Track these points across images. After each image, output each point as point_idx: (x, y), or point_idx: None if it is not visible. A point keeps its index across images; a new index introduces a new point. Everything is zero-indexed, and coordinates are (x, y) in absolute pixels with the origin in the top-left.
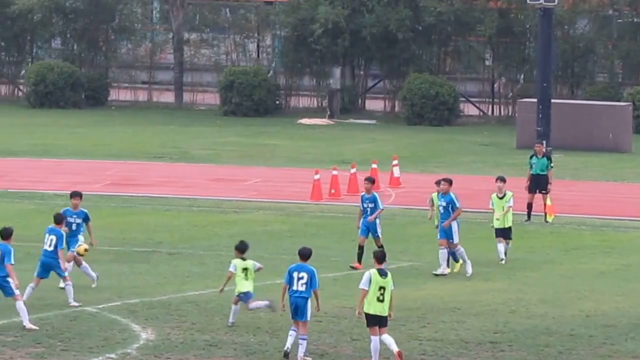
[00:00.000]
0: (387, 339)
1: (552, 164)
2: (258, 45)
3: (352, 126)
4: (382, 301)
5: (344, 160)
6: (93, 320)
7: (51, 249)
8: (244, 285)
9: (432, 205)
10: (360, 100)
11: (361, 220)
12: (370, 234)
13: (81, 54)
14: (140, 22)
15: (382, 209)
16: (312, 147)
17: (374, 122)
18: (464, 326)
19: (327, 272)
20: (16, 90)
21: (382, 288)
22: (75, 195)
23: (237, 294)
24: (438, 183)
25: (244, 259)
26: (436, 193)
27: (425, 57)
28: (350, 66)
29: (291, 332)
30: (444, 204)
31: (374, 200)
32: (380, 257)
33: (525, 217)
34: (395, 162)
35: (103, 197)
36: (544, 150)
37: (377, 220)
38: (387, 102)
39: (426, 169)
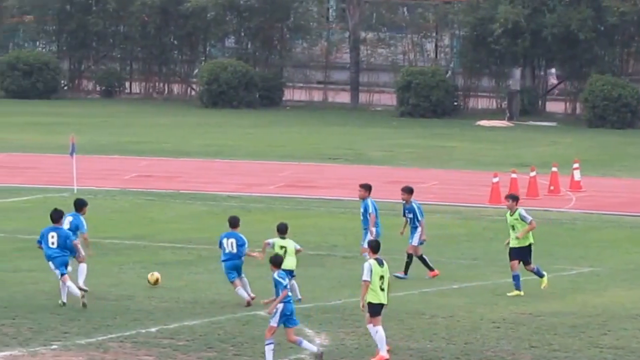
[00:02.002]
0: (382, 332)
1: None
2: (436, 45)
3: (531, 128)
4: (383, 290)
5: (523, 164)
6: (265, 324)
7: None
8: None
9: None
10: (540, 102)
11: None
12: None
13: (255, 53)
14: (316, 21)
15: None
16: (490, 149)
17: (554, 124)
18: None
19: (506, 277)
20: (189, 89)
21: (382, 277)
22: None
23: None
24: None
25: (283, 239)
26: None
27: (608, 58)
28: (531, 67)
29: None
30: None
31: (412, 211)
32: (375, 247)
33: None
34: (576, 165)
35: (277, 199)
36: None
37: (418, 229)
38: (567, 104)
39: (608, 172)
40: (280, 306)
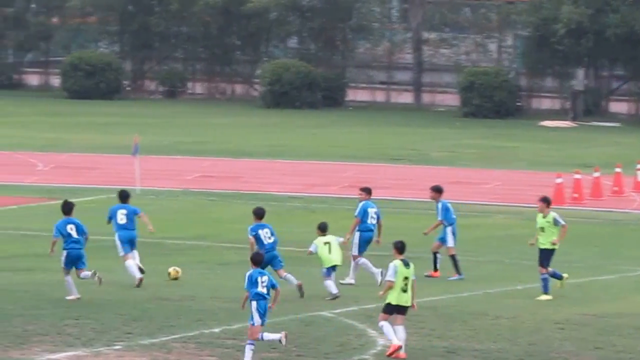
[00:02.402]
0: (401, 331)
1: None
2: (499, 45)
3: (595, 129)
4: (405, 292)
5: (586, 164)
6: (329, 325)
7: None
8: (331, 259)
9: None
10: (603, 102)
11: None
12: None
13: (318, 53)
14: (378, 21)
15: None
16: (554, 150)
17: (618, 124)
18: None
19: (570, 279)
20: (251, 89)
21: (406, 278)
22: None
23: (327, 267)
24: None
25: (324, 236)
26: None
27: None
28: (594, 67)
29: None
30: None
31: (436, 209)
32: (400, 248)
33: None
34: (639, 166)
35: (339, 199)
36: None
37: (448, 229)
38: (631, 104)
39: None
40: (254, 304)
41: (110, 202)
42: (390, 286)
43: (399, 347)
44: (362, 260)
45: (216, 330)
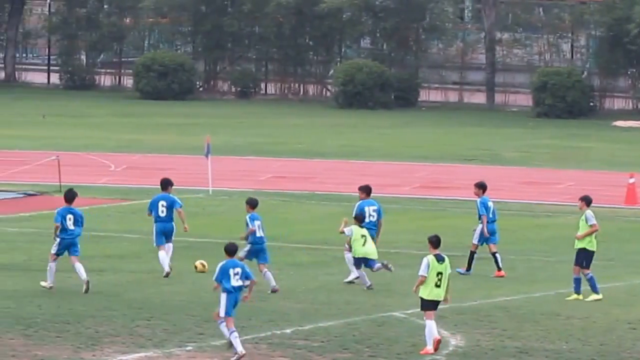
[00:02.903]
0: (431, 324)
1: None
2: (572, 45)
3: None
4: (439, 286)
5: None
6: (401, 325)
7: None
8: (364, 250)
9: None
10: None
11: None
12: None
13: (391, 54)
14: (451, 21)
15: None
16: (627, 150)
17: None
18: None
19: None
20: (324, 90)
21: (439, 274)
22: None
23: (357, 257)
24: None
25: (362, 227)
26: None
27: None
28: None
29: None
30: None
31: (476, 206)
32: (435, 242)
33: None
34: None
35: (412, 199)
36: None
37: (478, 227)
38: None
39: None
40: (224, 296)
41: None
42: (422, 281)
43: (439, 341)
44: (348, 255)
45: (287, 331)
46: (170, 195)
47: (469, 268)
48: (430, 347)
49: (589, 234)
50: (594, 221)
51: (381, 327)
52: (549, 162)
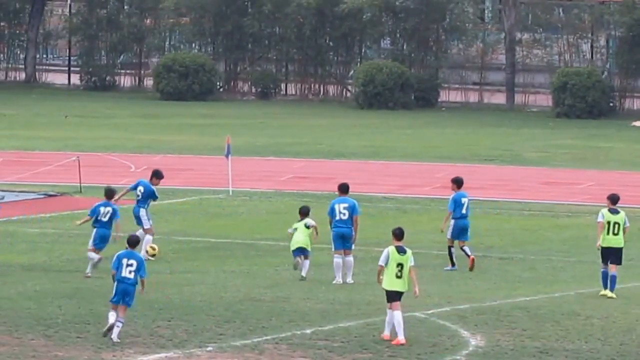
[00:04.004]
0: (398, 316)
1: None
2: (592, 46)
3: None
4: (400, 277)
5: None
6: (422, 325)
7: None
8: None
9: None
10: None
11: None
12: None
13: (411, 54)
14: (472, 22)
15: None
16: None
17: None
18: None
19: None
20: (344, 90)
21: (400, 265)
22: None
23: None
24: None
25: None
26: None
27: None
28: None
29: (118, 324)
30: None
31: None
32: (398, 234)
33: None
34: None
35: (433, 200)
36: None
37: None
38: None
39: None
40: (115, 284)
41: (202, 204)
42: (380, 270)
43: (389, 339)
44: (336, 259)
45: (308, 331)
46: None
47: (452, 264)
48: (402, 337)
49: (600, 232)
50: (599, 219)
51: None
52: (569, 162)
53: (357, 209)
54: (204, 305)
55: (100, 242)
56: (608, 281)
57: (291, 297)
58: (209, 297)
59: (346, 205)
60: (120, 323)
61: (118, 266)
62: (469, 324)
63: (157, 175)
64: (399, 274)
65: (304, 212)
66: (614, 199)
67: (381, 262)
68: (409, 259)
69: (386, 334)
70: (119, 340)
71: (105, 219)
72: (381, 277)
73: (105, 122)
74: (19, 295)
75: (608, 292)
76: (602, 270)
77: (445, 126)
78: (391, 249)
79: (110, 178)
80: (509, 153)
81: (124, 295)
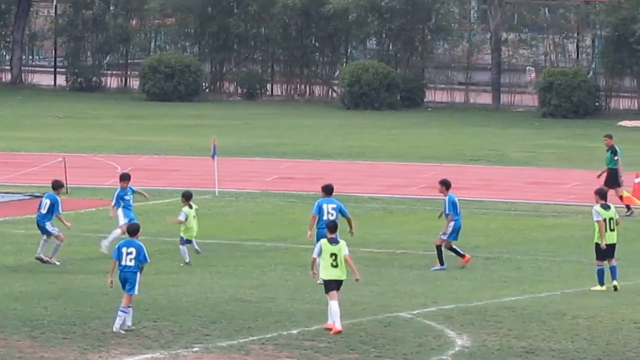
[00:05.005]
0: (335, 306)
1: (616, 157)
2: (577, 46)
3: None
4: (335, 267)
5: None
6: (407, 326)
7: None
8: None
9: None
10: None
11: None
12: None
13: (397, 55)
14: (457, 22)
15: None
16: (632, 149)
17: None
18: None
19: None
20: (330, 91)
21: (333, 254)
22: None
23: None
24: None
25: (190, 206)
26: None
27: None
28: None
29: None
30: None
31: (444, 204)
32: (331, 227)
33: None
34: None
35: (419, 200)
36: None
37: (451, 223)
38: None
39: None
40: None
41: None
42: (312, 262)
43: (331, 328)
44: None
45: (294, 331)
46: (58, 197)
47: (442, 263)
48: (339, 326)
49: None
50: (595, 218)
51: (387, 328)
52: (555, 162)
53: (345, 210)
54: (190, 305)
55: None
56: (604, 274)
57: (277, 297)
58: (195, 297)
59: (334, 205)
60: (123, 313)
61: (118, 256)
62: (455, 324)
63: (54, 186)
64: (334, 264)
65: (187, 197)
66: (603, 194)
67: (314, 255)
68: (342, 249)
69: (329, 323)
70: (121, 331)
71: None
72: (314, 270)
73: (91, 123)
74: (5, 296)
75: (614, 282)
76: (598, 267)
77: (431, 126)
78: (323, 241)
79: (96, 179)
80: (495, 153)
81: (124, 283)
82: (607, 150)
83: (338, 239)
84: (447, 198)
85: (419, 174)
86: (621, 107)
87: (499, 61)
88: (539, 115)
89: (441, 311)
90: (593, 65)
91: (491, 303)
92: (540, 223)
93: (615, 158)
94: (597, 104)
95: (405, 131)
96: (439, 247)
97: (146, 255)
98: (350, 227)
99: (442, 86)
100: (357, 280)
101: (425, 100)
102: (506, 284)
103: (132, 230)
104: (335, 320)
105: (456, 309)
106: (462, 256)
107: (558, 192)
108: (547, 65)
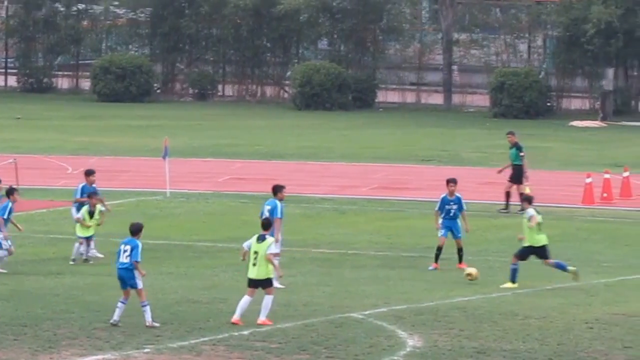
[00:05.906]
0: (267, 299)
1: (522, 153)
2: (529, 46)
3: (625, 129)
4: (255, 265)
5: (616, 164)
6: (359, 326)
7: None
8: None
9: None
10: (633, 102)
11: (441, 221)
12: (452, 235)
13: (348, 55)
14: (409, 22)
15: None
16: (584, 150)
17: None
18: None
19: (599, 278)
20: (282, 91)
21: (255, 252)
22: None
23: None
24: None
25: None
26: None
27: None
28: (624, 67)
29: (119, 305)
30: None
31: (457, 202)
32: (265, 225)
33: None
34: None
35: (371, 200)
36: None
37: (459, 222)
38: None
39: None
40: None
41: (140, 205)
42: (244, 254)
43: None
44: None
45: (245, 332)
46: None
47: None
48: (237, 318)
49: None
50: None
51: (339, 329)
52: (506, 162)
53: (276, 212)
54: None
55: None
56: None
57: (229, 298)
58: (147, 298)
59: (269, 207)
60: (145, 306)
61: (118, 253)
62: (406, 324)
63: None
64: (254, 262)
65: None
66: (530, 199)
67: (245, 247)
68: (262, 247)
69: (236, 318)
70: (155, 324)
71: None
72: (245, 258)
73: (42, 124)
74: None
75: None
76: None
77: (383, 127)
78: (254, 238)
79: (47, 180)
80: (447, 153)
81: (123, 280)
82: (511, 147)
83: (266, 236)
84: (460, 196)
85: (371, 174)
86: (572, 108)
87: (450, 61)
88: (490, 116)
89: (393, 312)
90: (544, 66)
91: (443, 303)
92: (492, 223)
93: (522, 154)
94: (548, 104)
95: (357, 132)
96: (461, 249)
97: (138, 253)
98: (277, 231)
99: (394, 86)
100: (280, 277)
101: (376, 100)
102: (458, 284)
103: (134, 229)
104: (263, 312)
105: (408, 310)
106: (435, 261)
107: (510, 193)
108: (498, 66)
